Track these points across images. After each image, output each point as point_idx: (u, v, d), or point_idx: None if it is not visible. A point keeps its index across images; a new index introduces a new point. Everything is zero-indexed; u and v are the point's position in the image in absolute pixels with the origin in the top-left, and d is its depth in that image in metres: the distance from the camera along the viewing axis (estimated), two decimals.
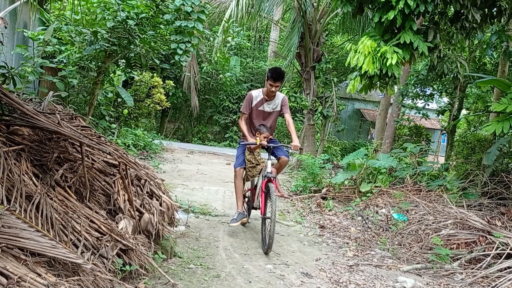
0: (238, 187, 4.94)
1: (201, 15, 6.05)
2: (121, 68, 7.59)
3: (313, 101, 11.61)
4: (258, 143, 4.76)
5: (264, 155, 5.02)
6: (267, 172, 4.58)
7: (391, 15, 5.05)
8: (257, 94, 5.05)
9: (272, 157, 4.81)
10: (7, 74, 5.11)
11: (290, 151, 5.06)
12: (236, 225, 4.84)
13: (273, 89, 4.84)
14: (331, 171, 10.19)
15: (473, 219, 4.80)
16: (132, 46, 6.16)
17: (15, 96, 3.49)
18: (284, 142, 14.27)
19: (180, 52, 6.02)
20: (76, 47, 6.50)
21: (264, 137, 4.86)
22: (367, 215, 6.03)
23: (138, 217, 3.51)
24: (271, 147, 4.82)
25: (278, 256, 4.38)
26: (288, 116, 5.02)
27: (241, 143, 5.03)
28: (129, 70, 7.60)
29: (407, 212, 5.89)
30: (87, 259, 2.65)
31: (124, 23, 5.83)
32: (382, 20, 5.21)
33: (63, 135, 3.17)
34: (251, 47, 22.15)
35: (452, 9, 5.54)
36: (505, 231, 4.57)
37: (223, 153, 13.78)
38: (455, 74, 8.06)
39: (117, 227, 3.17)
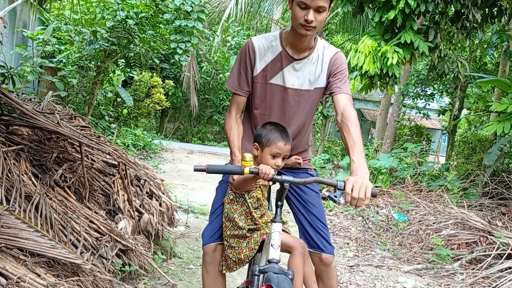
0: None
1: (201, 15, 6.03)
2: (120, 67, 7.58)
3: None
4: (246, 171, 1.76)
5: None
6: (269, 262, 1.77)
7: (391, 14, 5.05)
8: (266, 43, 2.10)
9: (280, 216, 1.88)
10: (6, 74, 5.09)
11: (340, 201, 1.68)
12: None
13: (309, 17, 1.88)
14: (332, 171, 10.18)
15: (474, 219, 4.79)
16: (131, 46, 6.14)
17: (14, 96, 3.48)
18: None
19: (179, 51, 6.00)
20: (75, 47, 6.48)
21: (283, 158, 1.96)
22: (368, 215, 6.02)
23: (137, 217, 3.50)
24: (283, 181, 1.80)
25: None
26: (345, 98, 2.03)
27: (221, 181, 2.29)
28: (129, 69, 7.59)
29: (408, 212, 5.88)
30: (87, 260, 2.64)
31: (123, 22, 5.81)
32: (383, 19, 5.21)
33: (63, 135, 3.16)
34: None
35: (453, 8, 5.54)
36: (505, 231, 4.56)
37: (223, 153, 13.76)
38: (456, 74, 8.07)
39: (117, 227, 3.16)
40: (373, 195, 1.69)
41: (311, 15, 1.89)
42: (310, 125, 2.28)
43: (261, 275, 1.78)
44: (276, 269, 1.72)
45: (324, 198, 1.66)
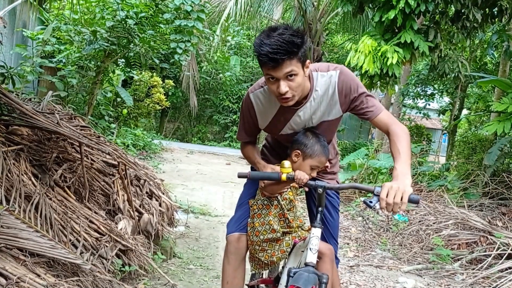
0: (228, 282, 2.10)
1: (200, 14, 6.03)
2: (120, 67, 7.57)
3: None
4: (283, 177, 1.86)
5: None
6: (306, 265, 1.71)
7: (391, 14, 5.05)
8: (264, 99, 2.01)
9: (318, 223, 1.81)
10: (6, 74, 5.08)
11: (376, 206, 1.65)
12: None
13: (281, 88, 1.78)
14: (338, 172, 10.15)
15: (474, 219, 4.79)
16: (131, 46, 6.13)
17: (14, 96, 3.47)
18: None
19: (179, 51, 5.99)
20: (75, 47, 6.48)
21: (312, 168, 2.02)
22: (368, 215, 6.02)
23: (137, 218, 3.50)
24: (318, 188, 1.82)
25: None
26: (383, 117, 1.94)
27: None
28: (129, 69, 7.58)
29: (408, 212, 5.88)
30: (86, 260, 2.64)
31: (123, 22, 5.80)
32: (383, 19, 5.21)
33: (62, 135, 3.16)
34: (251, 46, 22.13)
35: (453, 8, 5.53)
36: (506, 231, 4.55)
37: (223, 153, 13.77)
38: (456, 74, 8.07)
39: (117, 227, 3.15)
40: (413, 201, 1.61)
41: (282, 86, 1.78)
42: (333, 137, 2.24)
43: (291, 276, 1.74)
44: (311, 271, 1.69)
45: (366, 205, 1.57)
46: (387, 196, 1.60)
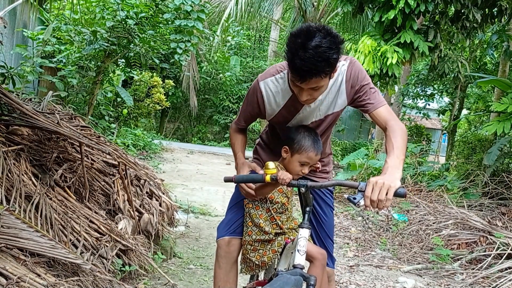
0: (220, 287, 2.10)
1: (200, 14, 6.03)
2: (120, 67, 7.58)
3: None
4: (267, 178, 1.80)
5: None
6: (294, 267, 1.70)
7: (391, 14, 5.06)
8: (274, 88, 1.93)
9: (306, 222, 1.78)
10: (6, 74, 5.09)
11: (360, 203, 1.57)
12: None
13: (303, 97, 1.77)
14: (331, 171, 10.16)
15: (474, 219, 4.79)
16: (131, 46, 6.14)
17: (15, 96, 3.48)
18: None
19: (179, 51, 6.00)
20: (75, 47, 6.48)
21: (309, 166, 1.97)
22: (368, 215, 6.03)
23: (137, 217, 3.50)
24: (305, 187, 1.76)
25: None
26: (383, 112, 1.89)
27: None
28: (129, 69, 7.59)
29: (408, 212, 5.89)
30: (87, 260, 2.64)
31: (123, 22, 5.81)
32: (383, 19, 5.22)
33: (63, 135, 3.16)
34: (251, 46, 22.14)
35: (453, 8, 5.54)
36: (505, 231, 4.56)
37: (223, 153, 13.77)
38: (456, 74, 8.08)
39: (117, 227, 3.16)
40: (400, 195, 1.56)
41: (304, 96, 1.76)
42: (330, 133, 2.20)
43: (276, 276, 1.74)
44: (298, 273, 1.65)
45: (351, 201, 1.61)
46: (371, 193, 1.54)
